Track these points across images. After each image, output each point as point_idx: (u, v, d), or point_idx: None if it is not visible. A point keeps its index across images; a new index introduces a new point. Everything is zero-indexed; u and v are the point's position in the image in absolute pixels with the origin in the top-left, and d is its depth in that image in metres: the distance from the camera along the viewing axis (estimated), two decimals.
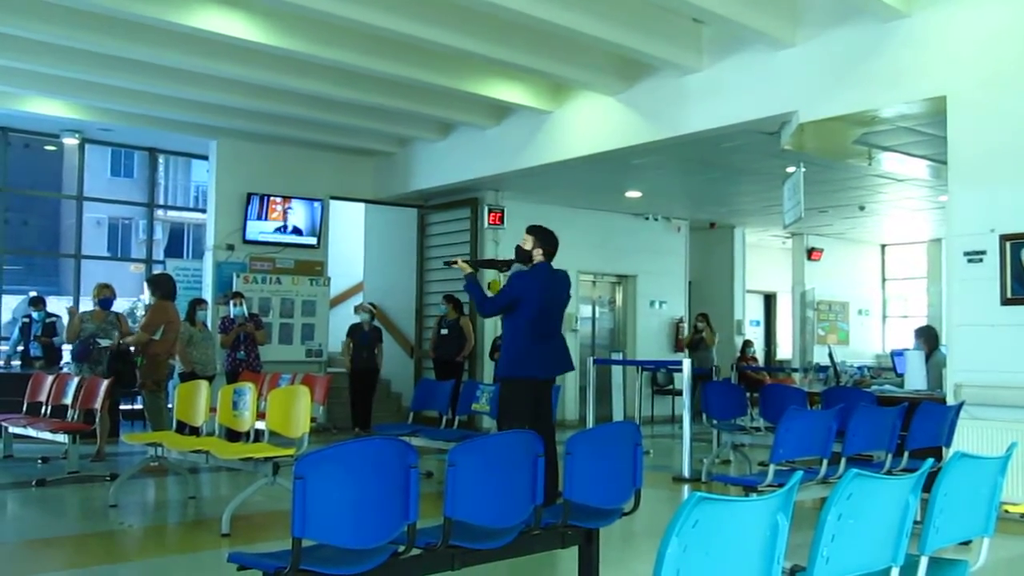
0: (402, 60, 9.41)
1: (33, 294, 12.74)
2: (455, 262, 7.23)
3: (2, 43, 9.10)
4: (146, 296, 10.10)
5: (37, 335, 12.06)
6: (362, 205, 15.21)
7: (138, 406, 10.62)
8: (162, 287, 9.91)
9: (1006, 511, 6.55)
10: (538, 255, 6.72)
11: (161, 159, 15.58)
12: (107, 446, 10.05)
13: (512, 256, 6.98)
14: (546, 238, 6.78)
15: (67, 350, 12.86)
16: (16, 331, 12.44)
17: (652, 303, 15.93)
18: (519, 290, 6.71)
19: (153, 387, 9.58)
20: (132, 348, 9.82)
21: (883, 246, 19.74)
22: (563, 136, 10.91)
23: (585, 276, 15.04)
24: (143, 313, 10.22)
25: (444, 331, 12.56)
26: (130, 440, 8.39)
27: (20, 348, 12.30)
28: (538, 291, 6.64)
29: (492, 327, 12.84)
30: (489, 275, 12.69)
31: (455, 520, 3.60)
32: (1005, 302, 6.93)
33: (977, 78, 7.09)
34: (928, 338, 8.89)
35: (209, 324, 11.45)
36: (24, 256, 24.80)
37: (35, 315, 12.15)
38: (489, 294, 8.46)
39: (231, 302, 11.67)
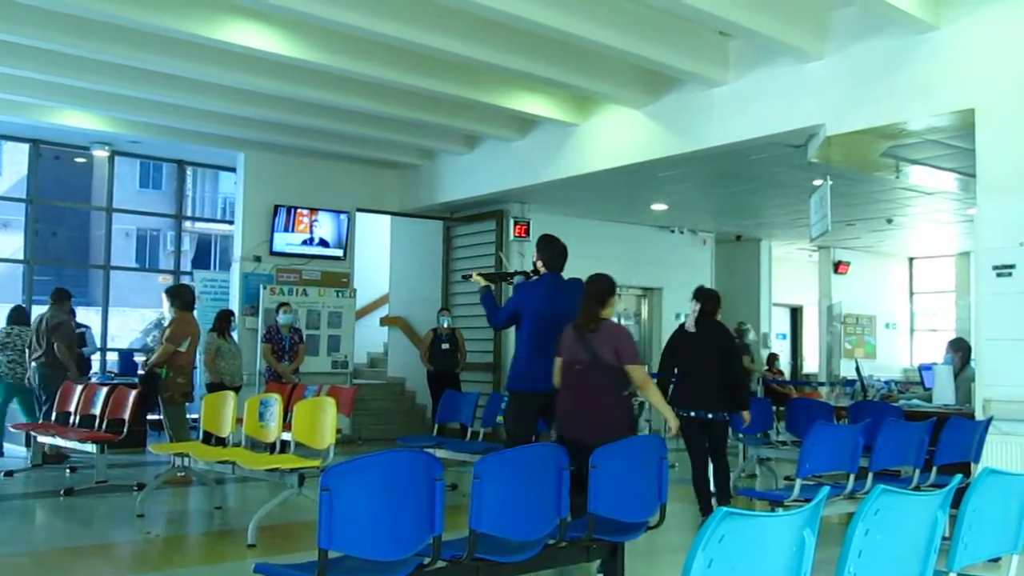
0: (428, 73, 9.44)
1: None
2: (471, 276, 7.22)
3: (33, 56, 9.20)
4: (165, 308, 10.12)
5: None
6: (388, 217, 15.26)
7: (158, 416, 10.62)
8: (182, 298, 9.95)
9: None
10: (540, 266, 6.65)
11: (189, 171, 15.72)
12: (135, 455, 10.17)
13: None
14: (546, 248, 6.66)
15: (96, 360, 12.99)
16: None
17: (678, 316, 15.85)
18: (517, 303, 6.66)
19: (181, 399, 9.61)
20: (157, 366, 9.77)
21: (911, 259, 19.61)
22: (589, 149, 10.91)
23: None
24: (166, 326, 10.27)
25: (445, 345, 12.63)
26: (157, 450, 8.45)
27: None
28: (538, 303, 6.52)
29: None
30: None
31: (480, 533, 3.60)
32: None
33: (1006, 91, 7.04)
34: (961, 351, 8.81)
35: (236, 336, 11.52)
36: (54, 267, 25.02)
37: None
38: None
39: (280, 310, 11.76)
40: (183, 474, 8.38)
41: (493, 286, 7.25)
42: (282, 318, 11.65)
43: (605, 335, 5.78)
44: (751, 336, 15.09)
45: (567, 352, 5.88)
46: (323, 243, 13.57)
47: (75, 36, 8.53)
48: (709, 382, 7.49)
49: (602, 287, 5.94)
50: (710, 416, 7.46)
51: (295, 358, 11.65)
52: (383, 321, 16.51)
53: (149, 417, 10.73)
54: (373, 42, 8.60)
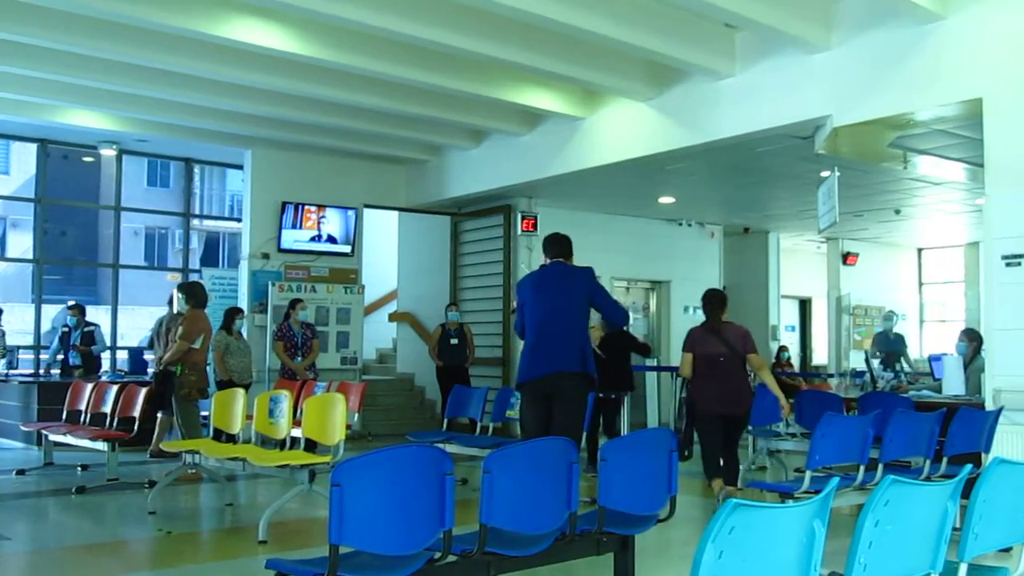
0: (435, 69, 9.44)
1: (72, 303, 12.86)
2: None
3: (41, 56, 9.22)
4: (176, 304, 10.16)
5: (75, 344, 12.19)
6: (396, 213, 15.27)
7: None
8: (197, 296, 9.98)
9: None
10: (544, 260, 6.76)
11: (196, 169, 15.73)
12: (144, 453, 10.18)
13: None
14: (544, 243, 6.83)
15: (106, 358, 13.03)
16: (56, 340, 12.59)
17: (686, 309, 15.86)
18: (518, 297, 6.79)
19: (197, 395, 9.64)
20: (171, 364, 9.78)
21: (919, 250, 19.55)
22: (596, 142, 10.90)
23: (619, 282, 15.01)
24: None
25: (455, 340, 12.64)
26: (168, 447, 8.47)
27: (60, 357, 12.45)
28: (528, 292, 6.63)
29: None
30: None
31: (491, 527, 3.61)
32: None
33: (1013, 80, 7.01)
34: (975, 340, 8.78)
35: (245, 333, 11.55)
36: (63, 266, 25.12)
37: (70, 320, 12.28)
38: None
39: (296, 307, 11.78)
40: (194, 471, 8.40)
41: None
42: (300, 314, 11.70)
43: (734, 332, 7.68)
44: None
45: (704, 347, 7.62)
46: (331, 239, 13.58)
47: (82, 36, 8.55)
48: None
49: (721, 298, 7.92)
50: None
51: (308, 354, 11.66)
52: (392, 317, 16.53)
53: (159, 415, 10.73)
54: (379, 38, 8.61)
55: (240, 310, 11.44)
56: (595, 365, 6.53)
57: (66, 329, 12.38)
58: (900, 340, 14.52)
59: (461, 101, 10.69)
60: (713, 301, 7.85)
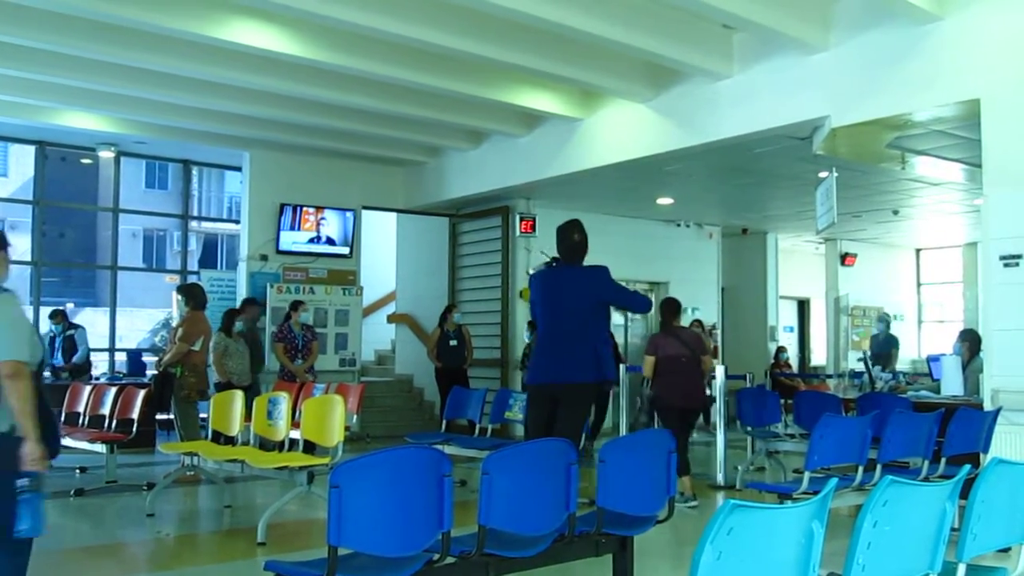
0: (433, 70, 9.44)
1: (53, 310, 12.80)
2: None
3: (39, 58, 9.22)
4: (175, 307, 10.14)
5: (60, 366, 12.09)
6: (394, 214, 15.26)
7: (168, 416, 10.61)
8: (196, 298, 9.97)
9: None
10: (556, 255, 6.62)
11: (195, 171, 15.70)
12: (145, 455, 10.18)
13: None
14: (558, 241, 6.50)
15: (102, 360, 13.00)
16: (46, 344, 12.57)
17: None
18: (531, 293, 6.71)
19: (197, 397, 9.63)
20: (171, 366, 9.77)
21: (918, 250, 19.55)
22: (594, 144, 10.90)
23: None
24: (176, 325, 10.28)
25: (454, 342, 12.61)
26: (166, 450, 8.47)
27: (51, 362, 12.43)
28: (537, 295, 6.51)
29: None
30: (520, 283, 12.99)
31: (489, 528, 3.61)
32: None
33: (1011, 81, 7.01)
34: (970, 341, 8.79)
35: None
36: (61, 268, 25.09)
37: (54, 328, 12.26)
38: None
39: (298, 309, 11.76)
40: (192, 473, 8.40)
41: None
42: (302, 316, 11.70)
43: (690, 335, 8.74)
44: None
45: (668, 350, 8.40)
46: (329, 241, 13.57)
47: (79, 38, 8.54)
48: None
49: (677, 305, 8.81)
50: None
51: (308, 356, 11.65)
52: (390, 318, 16.53)
53: (158, 417, 10.73)
54: (377, 40, 8.60)
55: (238, 311, 11.40)
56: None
57: (52, 335, 12.37)
58: (891, 341, 14.57)
59: (459, 102, 10.68)
60: (671, 309, 8.73)
